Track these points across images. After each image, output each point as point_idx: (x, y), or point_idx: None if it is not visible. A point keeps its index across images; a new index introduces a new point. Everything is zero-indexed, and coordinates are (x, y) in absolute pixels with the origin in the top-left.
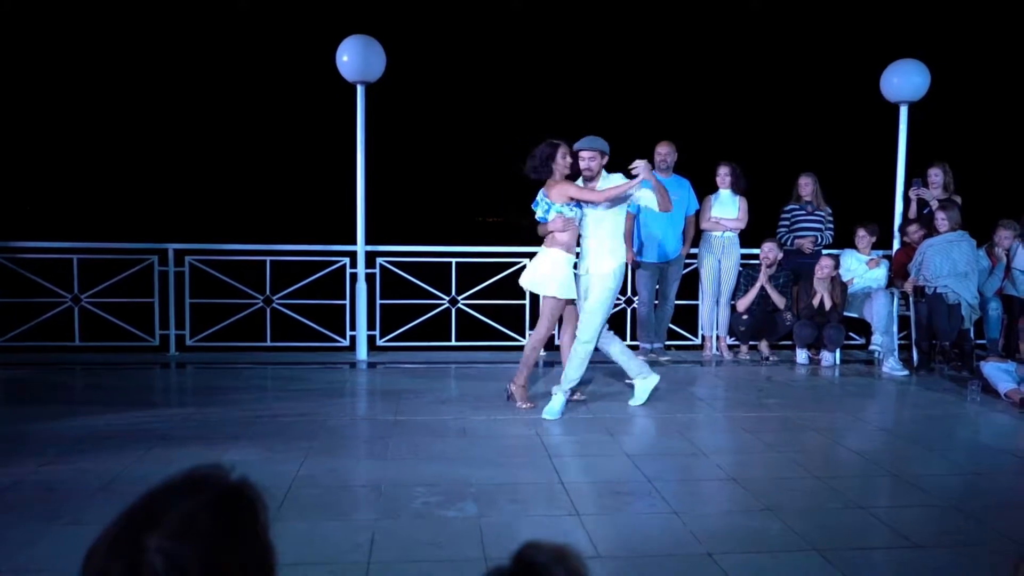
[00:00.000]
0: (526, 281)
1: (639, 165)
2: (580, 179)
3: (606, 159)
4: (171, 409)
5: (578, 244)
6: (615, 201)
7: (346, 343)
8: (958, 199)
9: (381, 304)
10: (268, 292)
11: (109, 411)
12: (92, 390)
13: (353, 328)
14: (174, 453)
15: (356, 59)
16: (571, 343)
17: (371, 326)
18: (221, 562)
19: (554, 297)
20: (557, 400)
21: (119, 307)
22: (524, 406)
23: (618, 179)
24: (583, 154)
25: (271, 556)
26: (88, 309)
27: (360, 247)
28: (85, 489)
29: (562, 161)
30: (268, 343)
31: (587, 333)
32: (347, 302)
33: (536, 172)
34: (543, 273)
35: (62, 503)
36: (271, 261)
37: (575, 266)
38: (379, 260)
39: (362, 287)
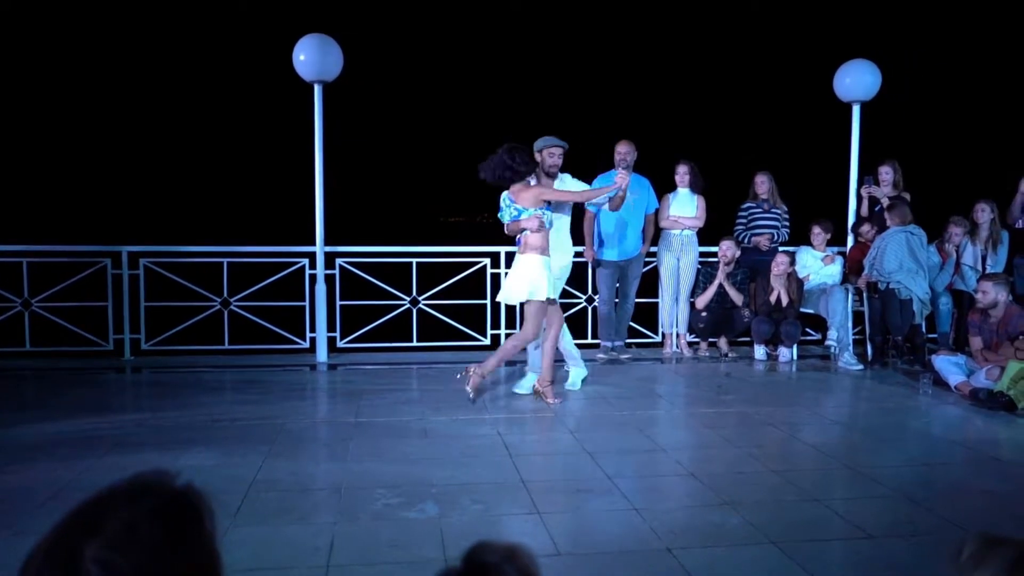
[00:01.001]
0: (509, 296)
1: (622, 176)
2: (531, 177)
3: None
4: (125, 415)
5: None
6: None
7: (306, 345)
8: (907, 196)
9: (341, 305)
10: (225, 294)
11: (61, 418)
12: (43, 397)
13: (313, 330)
14: (128, 460)
15: (313, 58)
16: (554, 344)
17: (331, 328)
18: (162, 571)
19: (539, 300)
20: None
21: (71, 311)
22: (471, 393)
23: (569, 176)
24: (554, 150)
25: (217, 565)
26: (39, 313)
27: (319, 248)
28: (34, 499)
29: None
30: (226, 346)
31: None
32: (306, 303)
33: (522, 176)
34: (526, 282)
35: (9, 514)
36: (228, 263)
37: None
38: (338, 261)
39: (321, 288)
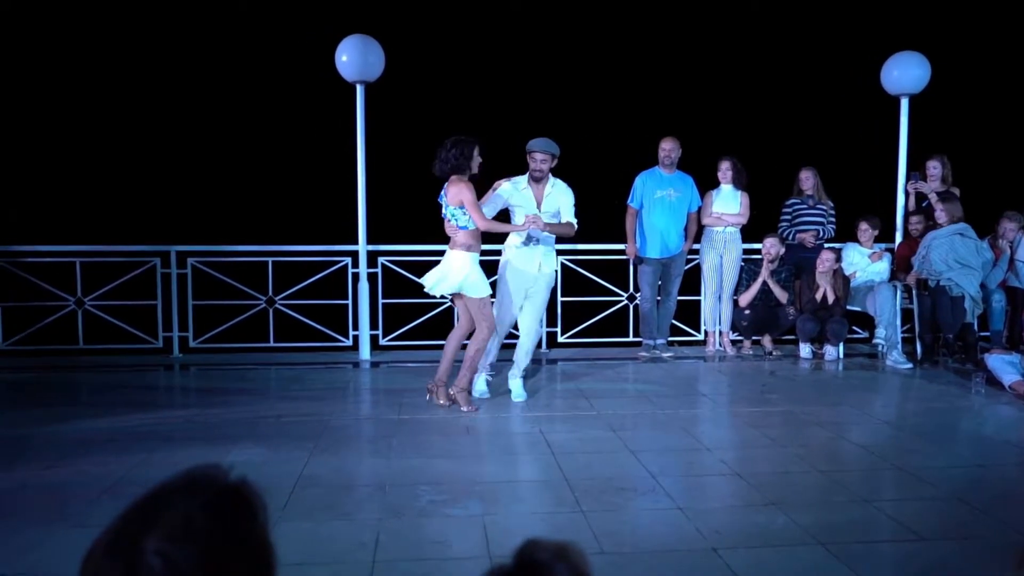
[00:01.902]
0: (446, 287)
1: (528, 222)
2: (525, 176)
3: (555, 162)
4: (175, 411)
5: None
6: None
7: (349, 343)
8: (956, 191)
9: (384, 303)
10: (271, 293)
11: (113, 413)
12: (96, 393)
13: (356, 328)
14: (178, 455)
15: (355, 59)
16: (459, 343)
17: (374, 325)
18: (219, 563)
19: (482, 297)
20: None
21: (122, 309)
22: (468, 409)
23: (563, 186)
24: (536, 155)
25: (271, 556)
26: (91, 312)
27: (362, 247)
28: (89, 492)
29: (476, 160)
30: (271, 344)
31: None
32: (349, 302)
33: (455, 170)
34: (464, 276)
35: (66, 506)
36: (273, 262)
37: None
38: (381, 259)
39: (364, 287)
